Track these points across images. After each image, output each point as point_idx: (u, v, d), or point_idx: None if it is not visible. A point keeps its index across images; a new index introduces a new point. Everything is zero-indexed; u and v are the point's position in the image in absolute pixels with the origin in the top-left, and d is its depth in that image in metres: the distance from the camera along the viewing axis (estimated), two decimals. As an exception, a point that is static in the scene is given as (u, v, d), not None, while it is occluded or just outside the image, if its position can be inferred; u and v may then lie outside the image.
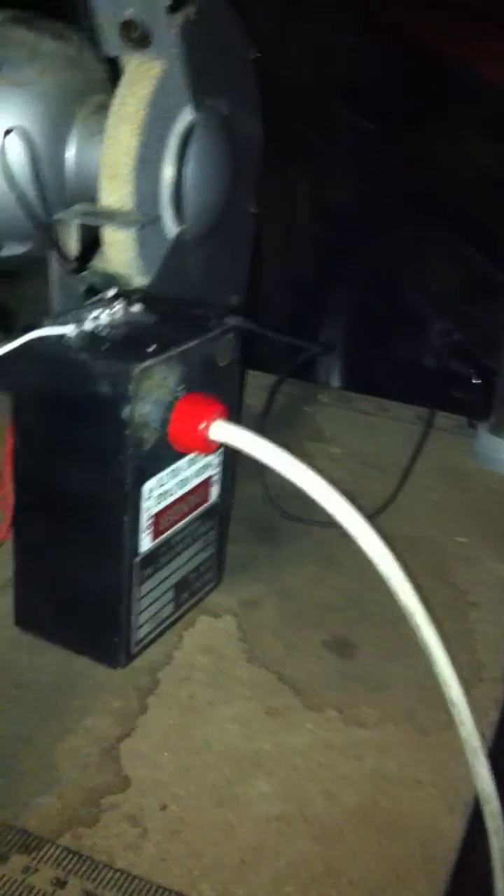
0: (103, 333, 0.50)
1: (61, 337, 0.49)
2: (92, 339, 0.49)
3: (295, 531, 0.68)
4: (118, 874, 0.42)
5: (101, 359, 0.47)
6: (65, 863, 0.42)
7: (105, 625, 0.52)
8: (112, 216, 0.70)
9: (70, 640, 0.54)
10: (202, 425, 0.48)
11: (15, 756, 0.47)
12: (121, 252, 0.68)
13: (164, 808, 0.45)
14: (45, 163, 0.71)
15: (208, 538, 0.58)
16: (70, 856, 0.42)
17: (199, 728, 0.50)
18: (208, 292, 0.73)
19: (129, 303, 0.54)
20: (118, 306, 0.52)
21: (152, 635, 0.55)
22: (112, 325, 0.51)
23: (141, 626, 0.53)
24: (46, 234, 0.67)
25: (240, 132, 0.78)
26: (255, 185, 0.83)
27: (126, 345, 0.49)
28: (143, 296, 0.55)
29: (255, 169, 0.83)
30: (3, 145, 0.65)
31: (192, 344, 0.51)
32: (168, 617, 0.56)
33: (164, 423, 0.49)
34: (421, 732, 0.51)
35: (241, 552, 0.65)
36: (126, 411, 0.47)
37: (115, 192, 0.71)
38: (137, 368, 0.47)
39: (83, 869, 0.42)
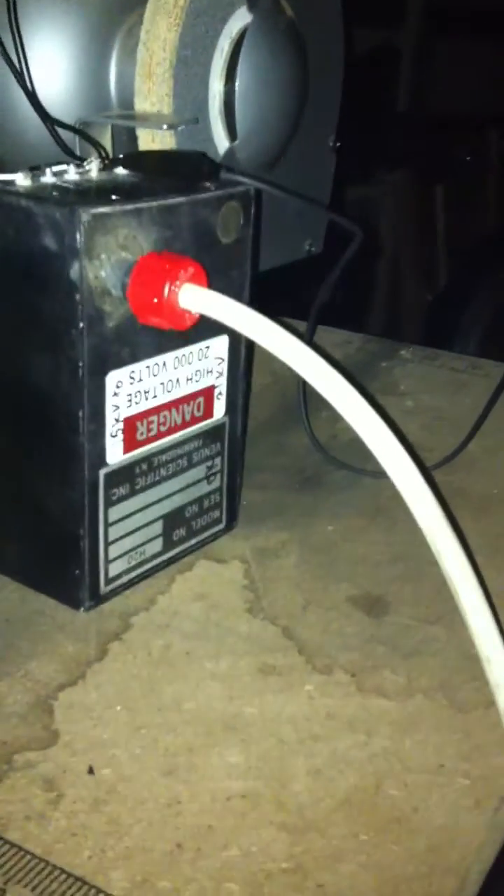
0: (62, 185, 0.41)
1: (9, 184, 0.40)
2: (46, 188, 0.40)
3: (341, 480, 0.56)
4: (6, 848, 0.31)
5: (48, 203, 0.38)
6: None
7: (66, 555, 0.42)
8: (144, 118, 0.62)
9: (30, 574, 0.44)
10: (167, 287, 0.38)
11: None
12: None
13: (92, 771, 0.35)
14: (87, 74, 0.64)
15: (213, 466, 0.47)
16: (-50, 820, 0.32)
17: (169, 683, 0.40)
18: (273, 235, 0.63)
19: (111, 163, 0.44)
20: (91, 165, 0.43)
21: (132, 575, 0.44)
22: (79, 182, 0.42)
23: (113, 560, 0.43)
24: (57, 135, 0.59)
25: (313, 45, 0.68)
26: (336, 112, 0.73)
27: (85, 194, 0.40)
28: (131, 156, 0.46)
29: (336, 94, 0.73)
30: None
31: (173, 201, 0.41)
32: (155, 556, 0.45)
33: (121, 294, 0.39)
34: (456, 708, 0.39)
35: (270, 498, 0.54)
36: (75, 270, 0.38)
37: (151, 94, 0.63)
38: (87, 214, 0.37)
39: (-38, 838, 0.32)
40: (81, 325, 0.38)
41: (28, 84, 0.56)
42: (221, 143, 0.65)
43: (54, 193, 0.39)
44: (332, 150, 0.73)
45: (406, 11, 1.58)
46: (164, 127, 0.60)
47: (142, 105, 0.63)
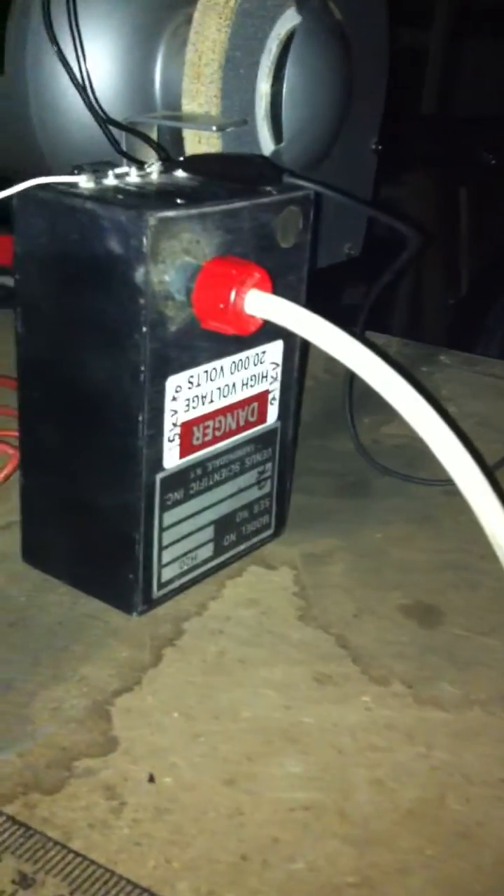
0: (125, 188, 0.40)
1: (72, 186, 0.40)
2: (109, 191, 0.40)
3: (389, 487, 0.56)
4: (70, 856, 0.31)
5: (114, 207, 0.38)
6: (3, 835, 0.32)
7: (120, 559, 0.42)
8: (192, 119, 0.62)
9: (82, 577, 0.44)
10: (233, 293, 0.37)
11: (-14, 702, 0.38)
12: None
13: (153, 780, 0.35)
14: (132, 74, 0.64)
15: (264, 471, 0.47)
16: (13, 827, 0.32)
17: (225, 690, 0.39)
18: (316, 237, 0.63)
19: (171, 166, 0.44)
20: (152, 167, 0.43)
21: (183, 580, 0.44)
22: (141, 184, 0.41)
23: (166, 564, 0.43)
24: (113, 137, 0.59)
25: (360, 47, 0.68)
26: (379, 115, 0.73)
27: (149, 197, 0.40)
28: (190, 158, 0.46)
29: (381, 97, 0.73)
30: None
31: (236, 205, 0.40)
32: (206, 561, 0.45)
33: (185, 298, 0.39)
34: (516, 721, 0.39)
35: (316, 503, 0.54)
36: (140, 274, 0.37)
37: (199, 95, 0.63)
38: (154, 218, 0.37)
39: (26, 845, 0.31)
40: (144, 329, 0.38)
41: (85, 84, 0.56)
42: (267, 145, 0.65)
43: (119, 196, 0.39)
44: (374, 152, 0.73)
45: (433, 12, 1.57)
46: (213, 129, 0.60)
47: (189, 106, 0.63)
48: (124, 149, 0.61)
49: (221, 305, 0.37)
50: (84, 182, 0.40)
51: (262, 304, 0.38)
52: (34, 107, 0.65)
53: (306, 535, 0.50)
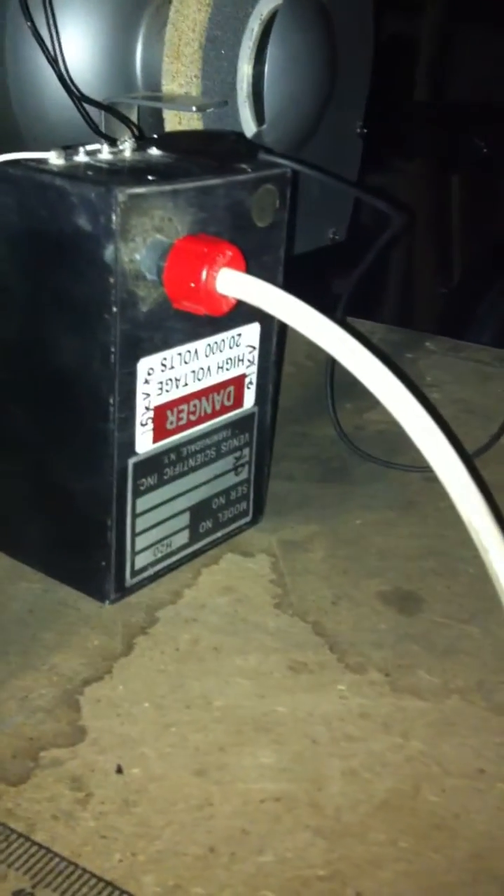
0: (96, 165, 0.39)
1: (42, 162, 0.39)
2: (79, 167, 0.39)
3: (368, 473, 0.55)
4: (34, 849, 0.30)
5: (83, 182, 0.37)
6: (-32, 827, 0.31)
7: (91, 545, 0.41)
8: (172, 99, 0.60)
9: (53, 564, 0.43)
10: (205, 272, 0.36)
11: (-49, 692, 0.37)
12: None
13: (120, 771, 0.34)
14: (112, 54, 0.63)
15: (241, 457, 0.46)
16: (-23, 819, 0.31)
17: (197, 679, 0.38)
18: (299, 220, 0.62)
19: (144, 144, 0.43)
20: (125, 145, 0.42)
21: (158, 567, 0.43)
22: (113, 161, 0.40)
23: (140, 551, 0.42)
24: (87, 115, 0.58)
25: (344, 29, 0.67)
26: (364, 98, 0.72)
27: (120, 174, 0.39)
28: (164, 136, 0.45)
29: (366, 79, 0.72)
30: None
31: (210, 182, 0.39)
32: (181, 548, 0.44)
33: (156, 277, 0.38)
34: (494, 710, 0.38)
35: (296, 490, 0.53)
36: (110, 252, 0.36)
37: (179, 75, 0.62)
38: (124, 194, 0.36)
39: (-10, 838, 0.31)
40: (115, 309, 0.37)
41: (59, 62, 0.55)
42: (248, 126, 0.64)
43: (89, 173, 0.38)
44: (360, 135, 0.72)
45: (425, -1, 1.56)
46: (193, 109, 0.59)
47: (169, 86, 0.62)
48: (103, 129, 0.59)
49: (193, 284, 0.36)
50: (54, 158, 0.39)
51: (234, 283, 0.37)
52: (13, 87, 0.63)
53: (285, 521, 0.49)
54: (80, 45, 0.62)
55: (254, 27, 0.62)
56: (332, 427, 0.58)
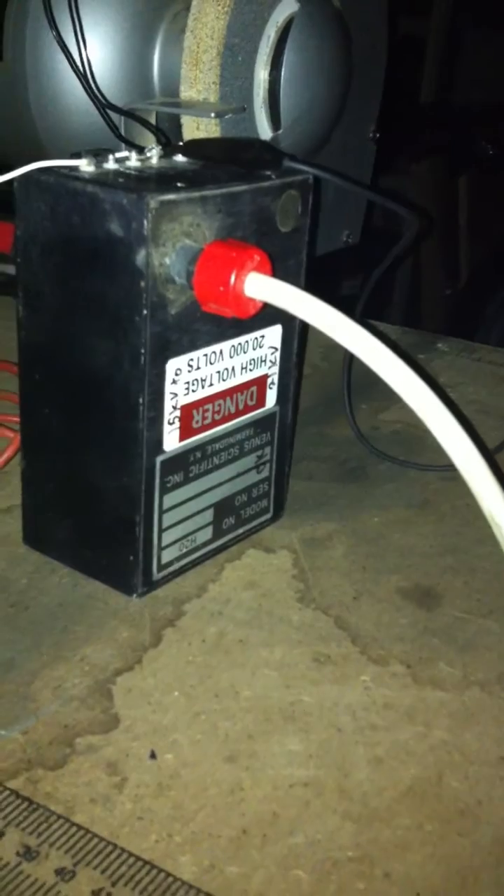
0: (126, 172, 0.41)
1: (73, 170, 0.40)
2: (110, 174, 0.40)
3: (387, 473, 0.56)
4: (73, 829, 0.32)
5: (115, 190, 0.38)
6: (7, 809, 0.32)
7: (120, 540, 0.42)
8: (191, 105, 0.62)
9: (82, 559, 0.44)
10: (233, 276, 0.37)
11: (-13, 682, 0.38)
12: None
13: (154, 756, 0.35)
14: (131, 60, 0.64)
15: (263, 455, 0.47)
16: (17, 802, 0.32)
17: (225, 670, 0.40)
18: (315, 221, 0.63)
19: (170, 151, 0.44)
20: (152, 152, 0.43)
21: (183, 562, 0.44)
22: (141, 168, 0.42)
23: (166, 547, 0.43)
24: (113, 123, 0.59)
25: (358, 35, 0.68)
26: (377, 103, 0.73)
27: (149, 181, 0.40)
28: (190, 143, 0.46)
29: (378, 84, 0.73)
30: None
31: (237, 189, 0.41)
32: (205, 543, 0.45)
33: (185, 281, 0.39)
34: (514, 700, 0.39)
35: (316, 488, 0.54)
36: (141, 256, 0.38)
37: (198, 82, 0.63)
38: (155, 201, 0.37)
39: (29, 820, 0.32)
40: (145, 311, 0.38)
41: (85, 70, 0.56)
42: (265, 131, 0.65)
43: (119, 180, 0.39)
44: (373, 140, 0.73)
45: (433, 0, 1.57)
46: (212, 115, 0.60)
47: (188, 92, 0.63)
48: (123, 135, 0.61)
49: (221, 288, 0.38)
50: (85, 165, 0.40)
51: (261, 286, 0.38)
52: (33, 93, 0.65)
53: (306, 519, 0.51)
54: (98, 51, 0.64)
55: (270, 34, 0.64)
56: (349, 428, 0.59)
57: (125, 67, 0.64)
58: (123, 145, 0.59)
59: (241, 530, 0.47)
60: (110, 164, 0.41)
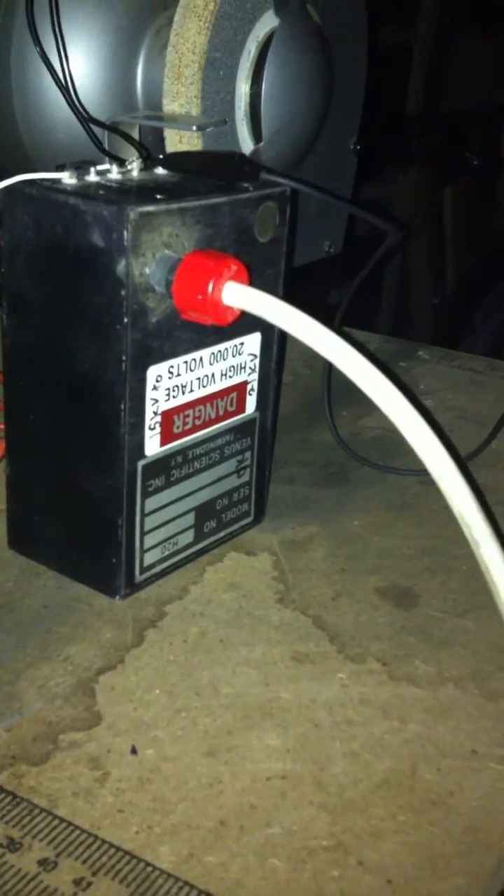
0: (107, 184, 0.42)
1: (56, 182, 0.41)
2: (91, 187, 0.41)
3: (365, 477, 0.57)
4: (56, 822, 0.33)
5: (96, 202, 0.39)
6: (-6, 803, 0.33)
7: (103, 543, 0.43)
8: (173, 119, 0.63)
9: (67, 563, 0.45)
10: (211, 284, 0.39)
11: (-27, 682, 0.39)
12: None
13: (135, 752, 0.36)
14: (114, 74, 0.65)
15: (243, 460, 0.48)
16: (0, 795, 0.33)
17: (206, 668, 0.41)
18: (297, 234, 0.65)
19: (151, 164, 0.45)
20: (133, 164, 0.44)
21: (165, 565, 0.45)
22: (122, 181, 0.43)
23: (148, 549, 0.44)
24: (95, 136, 0.60)
25: (338, 49, 0.69)
26: (358, 116, 0.74)
27: (129, 193, 0.41)
28: (170, 156, 0.47)
29: (359, 97, 0.74)
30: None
31: (215, 200, 0.42)
32: (187, 546, 0.46)
33: (165, 290, 0.40)
34: (487, 697, 0.40)
35: (297, 493, 0.55)
36: (122, 266, 0.39)
37: (180, 95, 0.64)
38: (135, 212, 0.38)
39: (13, 813, 0.33)
40: (126, 320, 0.39)
41: (67, 84, 0.57)
42: (246, 144, 0.67)
43: (101, 192, 0.40)
44: (354, 152, 0.75)
45: (419, 9, 1.59)
46: (194, 128, 0.61)
47: (170, 106, 0.65)
48: (107, 148, 0.62)
49: (200, 296, 0.39)
50: (67, 178, 0.41)
51: (239, 295, 0.39)
52: (18, 107, 0.66)
53: (286, 522, 0.52)
54: (82, 66, 0.65)
55: (251, 48, 0.65)
56: (330, 433, 0.60)
57: (108, 82, 0.65)
58: (107, 158, 0.61)
59: (222, 533, 0.48)
60: (92, 177, 0.42)
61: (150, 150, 0.62)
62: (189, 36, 0.63)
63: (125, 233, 0.38)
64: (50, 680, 0.39)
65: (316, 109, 0.70)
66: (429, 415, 0.39)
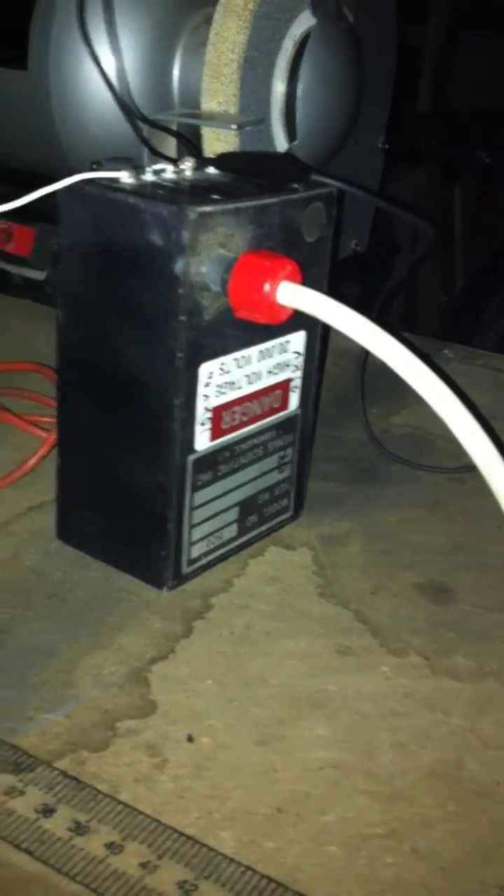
0: (163, 184, 0.43)
1: (114, 181, 0.42)
2: (149, 186, 0.42)
3: (399, 474, 0.58)
4: (119, 807, 0.34)
5: (155, 201, 0.40)
6: (57, 788, 0.34)
7: (152, 536, 0.44)
8: (212, 117, 0.64)
9: (115, 554, 0.46)
10: (267, 284, 0.40)
11: (31, 668, 0.40)
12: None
13: (191, 739, 0.37)
14: (151, 72, 0.66)
15: (285, 456, 0.49)
16: (65, 781, 0.34)
17: (253, 659, 0.42)
18: (338, 232, 0.65)
19: (202, 164, 0.46)
20: (187, 164, 0.45)
21: (210, 558, 0.46)
22: (177, 181, 0.44)
23: (195, 542, 0.45)
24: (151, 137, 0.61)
25: (369, 48, 0.70)
26: (386, 115, 0.75)
27: (186, 192, 0.42)
28: (223, 156, 0.48)
29: (387, 96, 0.75)
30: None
31: (267, 201, 0.43)
32: (230, 540, 0.47)
33: (227, 290, 0.41)
34: (527, 690, 0.41)
35: (330, 489, 0.56)
36: (179, 265, 0.40)
37: (218, 94, 0.65)
38: (194, 213, 0.39)
39: (78, 797, 0.34)
40: (182, 317, 0.40)
41: (117, 83, 0.58)
42: (280, 142, 0.67)
43: (159, 192, 0.41)
44: (381, 150, 0.75)
45: (429, 9, 1.59)
46: (234, 127, 0.62)
47: (208, 104, 0.65)
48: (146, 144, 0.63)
49: (256, 296, 0.40)
50: (125, 178, 0.42)
51: (293, 294, 0.40)
52: (56, 102, 0.66)
53: (322, 518, 0.53)
54: (119, 62, 0.66)
55: (288, 48, 0.66)
56: (361, 430, 0.61)
57: (146, 79, 0.66)
58: (147, 155, 0.61)
59: (263, 528, 0.49)
60: (148, 177, 0.43)
61: (197, 148, 0.62)
62: (228, 35, 0.64)
63: (184, 232, 0.39)
64: (104, 668, 0.40)
65: (348, 108, 0.71)
66: (478, 413, 0.39)
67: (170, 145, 0.65)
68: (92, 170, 0.43)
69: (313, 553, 0.50)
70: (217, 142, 0.64)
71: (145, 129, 0.62)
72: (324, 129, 0.71)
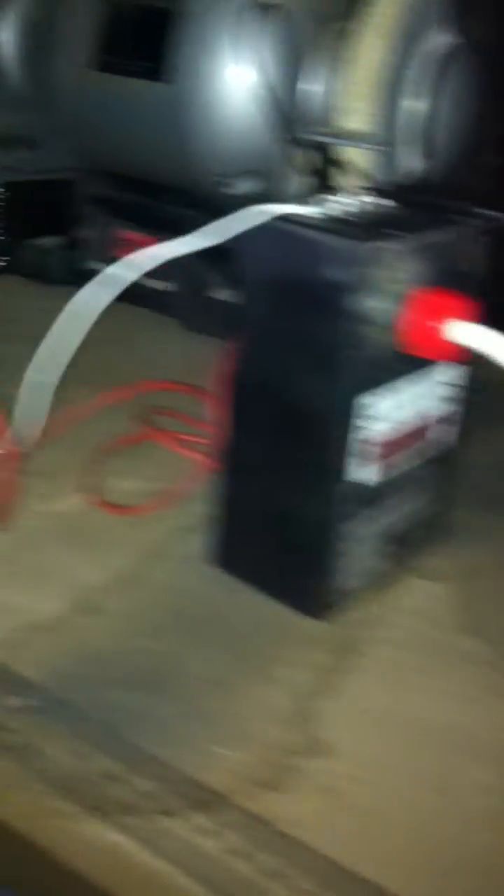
0: (341, 216, 0.42)
1: (294, 214, 0.42)
2: (328, 219, 0.42)
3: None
4: (312, 855, 0.34)
5: (335, 236, 0.40)
6: (250, 830, 0.34)
7: (308, 566, 0.44)
8: (360, 137, 0.63)
9: (269, 581, 0.46)
10: (441, 323, 0.39)
11: (203, 698, 0.40)
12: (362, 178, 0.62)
13: (364, 783, 0.37)
14: (285, 87, 0.66)
15: (440, 489, 0.49)
16: (256, 824, 0.35)
17: (408, 698, 0.41)
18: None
19: (380, 195, 0.46)
20: (363, 195, 0.45)
21: (362, 589, 0.46)
22: (353, 213, 0.43)
23: (350, 573, 0.45)
24: (290, 153, 0.61)
25: (492, 64, 0.69)
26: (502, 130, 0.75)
27: (364, 227, 0.42)
28: (396, 188, 0.48)
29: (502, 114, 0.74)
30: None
31: (441, 236, 0.42)
32: (382, 572, 0.47)
33: (390, 323, 0.41)
34: None
35: (459, 517, 0.55)
36: (353, 300, 0.39)
37: (358, 112, 0.65)
38: (370, 249, 0.39)
39: (272, 842, 0.34)
40: (351, 351, 0.40)
41: (281, 105, 0.58)
42: (416, 162, 0.67)
43: (337, 225, 0.41)
44: (497, 170, 0.75)
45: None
46: (378, 147, 0.62)
47: (347, 123, 0.65)
48: (285, 161, 0.63)
49: (428, 333, 0.40)
50: (305, 209, 0.42)
51: (465, 333, 0.40)
52: (195, 116, 0.67)
53: (462, 549, 0.52)
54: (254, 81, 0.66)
55: (423, 65, 0.65)
56: (485, 457, 0.60)
57: (279, 96, 0.65)
58: (279, 171, 0.61)
59: (412, 560, 0.49)
60: (327, 208, 0.43)
61: (339, 167, 0.62)
62: (369, 53, 0.64)
63: (361, 268, 0.39)
64: (270, 701, 0.40)
65: (476, 126, 0.70)
66: None
67: (296, 161, 0.65)
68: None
69: (457, 586, 0.49)
70: (357, 161, 0.64)
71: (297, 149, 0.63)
72: (456, 147, 0.70)
